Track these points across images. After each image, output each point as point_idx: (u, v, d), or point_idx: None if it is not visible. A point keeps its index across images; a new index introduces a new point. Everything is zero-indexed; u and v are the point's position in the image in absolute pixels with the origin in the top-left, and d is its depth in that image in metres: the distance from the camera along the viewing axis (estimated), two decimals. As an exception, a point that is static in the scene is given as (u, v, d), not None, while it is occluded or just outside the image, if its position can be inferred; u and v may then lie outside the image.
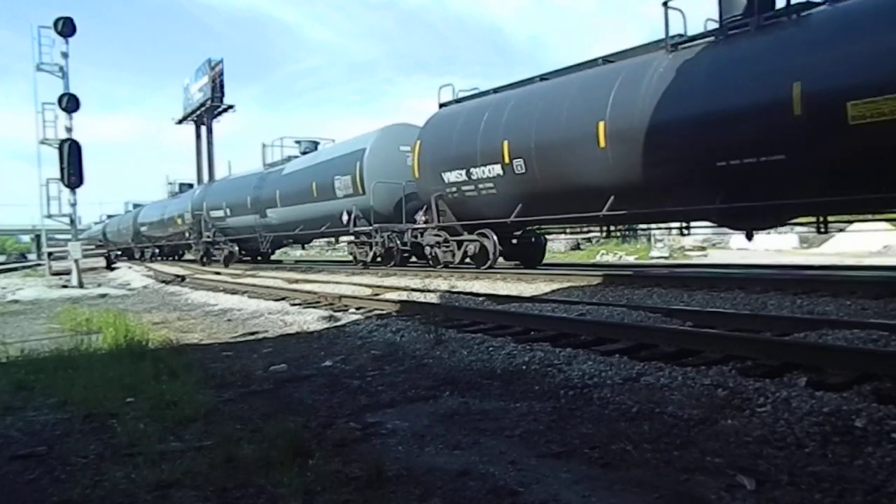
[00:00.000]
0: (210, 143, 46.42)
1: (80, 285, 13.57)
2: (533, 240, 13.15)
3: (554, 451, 2.34)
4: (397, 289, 9.10)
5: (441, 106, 13.20)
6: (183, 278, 14.81)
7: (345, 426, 2.75)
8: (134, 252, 35.93)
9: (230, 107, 45.97)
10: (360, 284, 10.09)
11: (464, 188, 11.73)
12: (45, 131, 14.84)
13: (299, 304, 7.93)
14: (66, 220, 15.53)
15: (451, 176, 11.87)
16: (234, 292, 10.26)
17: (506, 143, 10.58)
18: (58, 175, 14.45)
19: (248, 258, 24.42)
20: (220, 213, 23.59)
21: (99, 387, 3.38)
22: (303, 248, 26.22)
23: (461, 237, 12.29)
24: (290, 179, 19.04)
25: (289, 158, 20.59)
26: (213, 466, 2.24)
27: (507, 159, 10.58)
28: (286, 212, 19.15)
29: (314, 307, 7.54)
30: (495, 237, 11.60)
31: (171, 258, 32.17)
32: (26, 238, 70.73)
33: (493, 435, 2.57)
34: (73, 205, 14.95)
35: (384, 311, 6.64)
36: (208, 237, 24.10)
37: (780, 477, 2.00)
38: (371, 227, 14.94)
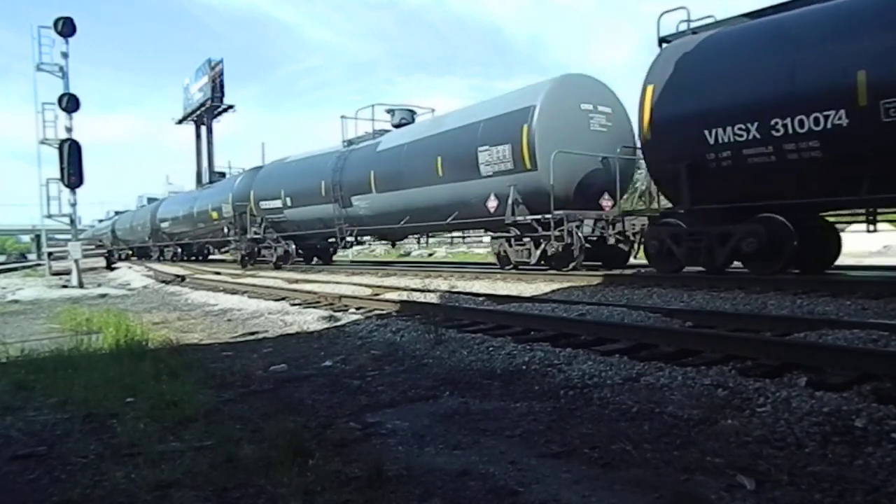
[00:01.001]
0: (210, 143, 46.44)
1: (80, 285, 13.57)
2: (824, 231, 8.86)
3: (554, 451, 2.34)
4: (397, 289, 9.12)
5: (662, 41, 9.37)
6: (183, 278, 14.82)
7: (345, 426, 2.75)
8: (151, 251, 31.57)
9: (230, 107, 46.02)
10: (360, 284, 10.11)
11: (746, 151, 7.86)
12: (45, 131, 14.84)
13: (299, 304, 7.93)
14: (66, 220, 15.52)
15: (725, 133, 8.00)
16: (234, 292, 10.27)
17: (862, 74, 6.87)
18: (58, 175, 14.44)
19: (302, 259, 20.16)
20: (275, 204, 19.11)
21: (99, 387, 3.38)
22: (393, 245, 20.61)
23: (719, 227, 8.37)
24: (391, 156, 14.56)
25: (380, 132, 16.29)
26: (213, 466, 2.24)
27: (862, 100, 6.87)
28: (385, 199, 14.74)
29: (314, 307, 7.54)
30: (790, 226, 7.88)
31: (197, 259, 28.72)
32: (26, 238, 70.79)
33: (493, 435, 2.57)
34: (73, 205, 14.95)
35: (384, 311, 6.65)
36: (256, 233, 20.03)
37: (780, 477, 2.00)
38: (550, 216, 10.65)
